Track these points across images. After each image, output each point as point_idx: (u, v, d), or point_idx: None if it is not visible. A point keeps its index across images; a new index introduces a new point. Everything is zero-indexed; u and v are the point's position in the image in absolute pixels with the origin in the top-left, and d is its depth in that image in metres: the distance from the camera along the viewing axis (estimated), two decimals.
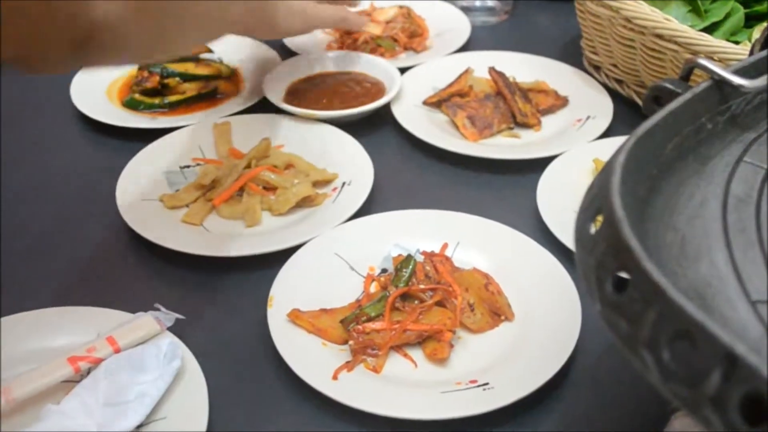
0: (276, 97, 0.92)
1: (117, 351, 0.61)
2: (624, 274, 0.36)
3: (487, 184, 0.83)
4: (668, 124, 0.44)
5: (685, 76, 0.50)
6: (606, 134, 0.87)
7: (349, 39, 1.07)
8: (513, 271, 0.69)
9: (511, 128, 0.90)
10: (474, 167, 0.85)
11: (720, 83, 0.47)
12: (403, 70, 0.99)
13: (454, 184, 0.84)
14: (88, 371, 0.60)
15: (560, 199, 0.76)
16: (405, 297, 0.66)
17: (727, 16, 0.84)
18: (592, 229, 0.40)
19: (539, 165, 0.81)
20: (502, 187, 0.83)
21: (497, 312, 0.65)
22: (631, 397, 0.60)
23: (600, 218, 0.39)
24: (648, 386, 0.34)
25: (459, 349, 0.63)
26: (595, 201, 0.40)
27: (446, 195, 0.82)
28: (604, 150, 0.81)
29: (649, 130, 0.43)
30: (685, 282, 0.39)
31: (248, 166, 0.81)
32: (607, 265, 0.37)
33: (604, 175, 0.41)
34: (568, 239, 0.70)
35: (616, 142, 0.81)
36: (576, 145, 0.84)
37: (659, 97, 0.49)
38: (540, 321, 0.64)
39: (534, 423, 0.58)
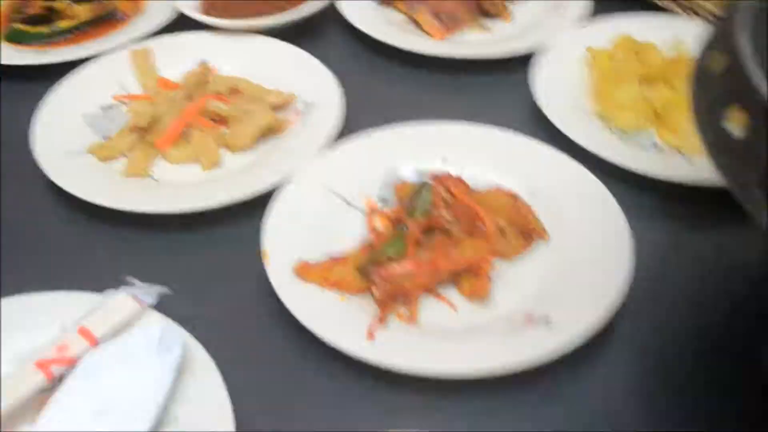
0: (191, 10, 0.79)
1: (94, 344, 0.50)
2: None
3: (465, 87, 0.75)
4: None
5: None
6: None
7: None
8: (536, 185, 0.61)
9: (478, 21, 0.80)
10: (446, 69, 0.75)
11: None
12: None
13: (427, 91, 0.75)
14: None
15: (561, 97, 0.68)
16: (424, 231, 0.56)
17: None
18: (713, 67, 0.37)
19: (520, 60, 0.73)
20: (484, 89, 0.74)
21: (528, 233, 0.57)
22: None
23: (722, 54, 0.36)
24: None
25: (496, 281, 0.55)
26: (718, 38, 0.38)
27: (423, 104, 0.73)
28: (596, 37, 0.74)
29: None
30: None
31: (188, 98, 0.69)
32: (724, 100, 0.34)
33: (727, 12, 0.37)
34: (582, 139, 0.63)
35: (605, 27, 0.73)
36: (559, 34, 0.75)
37: None
38: (577, 239, 0.57)
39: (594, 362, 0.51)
